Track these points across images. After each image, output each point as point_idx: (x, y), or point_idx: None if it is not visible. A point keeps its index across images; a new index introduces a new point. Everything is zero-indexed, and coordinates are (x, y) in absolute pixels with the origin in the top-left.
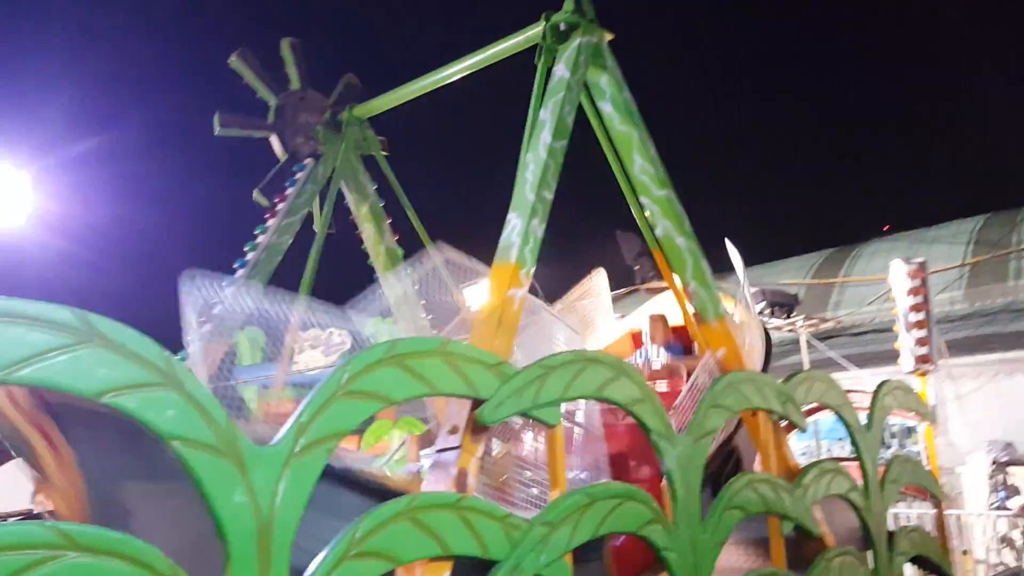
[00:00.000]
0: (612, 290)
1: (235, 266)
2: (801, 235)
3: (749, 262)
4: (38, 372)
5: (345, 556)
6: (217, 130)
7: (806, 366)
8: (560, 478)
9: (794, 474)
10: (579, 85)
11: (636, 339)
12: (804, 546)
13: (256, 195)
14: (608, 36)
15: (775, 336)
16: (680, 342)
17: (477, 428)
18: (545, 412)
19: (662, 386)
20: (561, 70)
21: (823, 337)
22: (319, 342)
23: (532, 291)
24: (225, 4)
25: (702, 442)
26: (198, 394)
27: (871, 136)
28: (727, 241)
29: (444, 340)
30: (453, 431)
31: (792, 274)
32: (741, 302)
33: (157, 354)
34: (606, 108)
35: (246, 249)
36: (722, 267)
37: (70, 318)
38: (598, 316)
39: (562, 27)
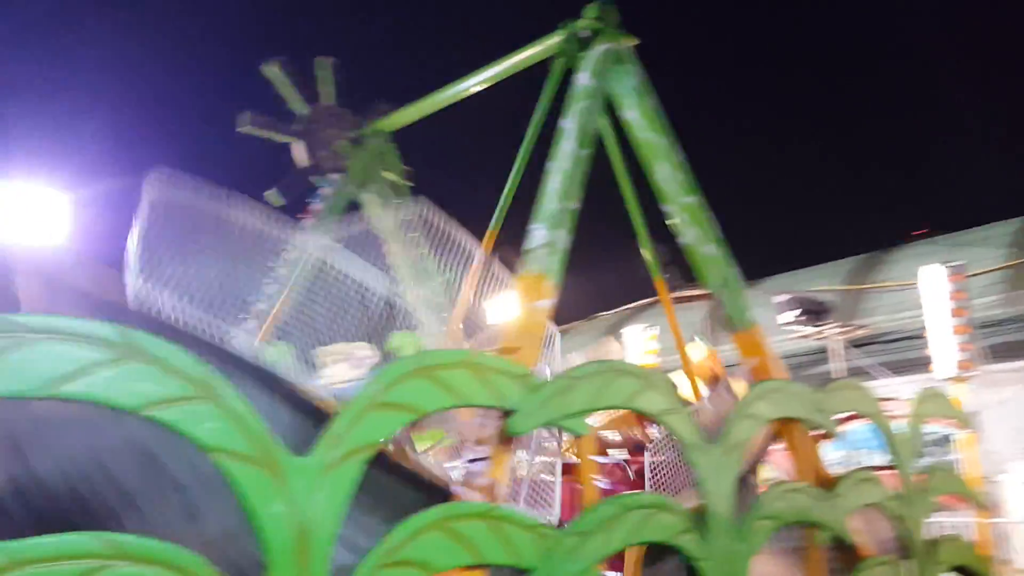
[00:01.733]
0: (640, 299)
1: (266, 281)
2: (835, 239)
3: (782, 268)
4: (82, 387)
5: (381, 565)
6: (241, 127)
7: (837, 374)
8: (590, 487)
9: (828, 483)
10: (602, 93)
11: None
12: (844, 555)
13: (269, 195)
14: (632, 41)
15: (806, 344)
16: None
17: (505, 439)
18: (573, 423)
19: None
20: (584, 78)
21: (857, 344)
22: (345, 355)
23: None
24: (260, 31)
25: (734, 452)
26: (236, 406)
27: (909, 137)
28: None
29: (471, 351)
30: (481, 442)
31: (825, 279)
32: None
33: (196, 368)
34: (630, 115)
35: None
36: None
37: (113, 334)
38: None
39: (584, 35)
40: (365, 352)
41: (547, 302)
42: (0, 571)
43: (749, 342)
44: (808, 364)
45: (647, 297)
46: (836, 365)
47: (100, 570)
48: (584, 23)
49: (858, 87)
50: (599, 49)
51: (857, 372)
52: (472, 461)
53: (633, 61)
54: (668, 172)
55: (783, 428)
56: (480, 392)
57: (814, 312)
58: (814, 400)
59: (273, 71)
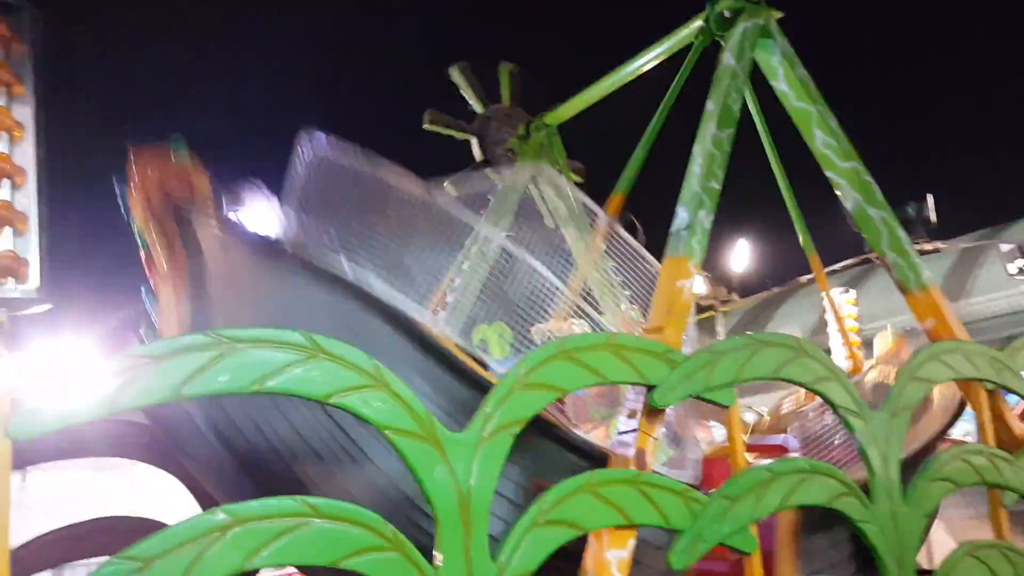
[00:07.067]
0: (841, 260)
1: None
2: None
3: None
4: (281, 383)
5: (535, 524)
6: (425, 124)
7: None
8: (739, 456)
9: (1021, 444)
10: (745, 71)
11: None
12: None
13: (447, 185)
14: (776, 15)
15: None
16: None
17: (652, 412)
18: (718, 394)
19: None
20: (727, 58)
21: None
22: (561, 333)
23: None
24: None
25: (900, 416)
26: (402, 392)
27: None
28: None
29: (611, 334)
30: (631, 415)
31: None
32: None
33: (368, 363)
34: (781, 87)
35: None
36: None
37: (301, 339)
38: None
39: (727, 14)
40: (579, 329)
41: (690, 282)
42: (225, 528)
43: (923, 304)
44: None
45: (848, 258)
46: None
47: (301, 526)
48: (726, 2)
49: None
50: (740, 27)
51: None
52: (623, 433)
53: (779, 33)
54: (824, 139)
55: (966, 390)
56: (621, 370)
57: None
58: (995, 360)
59: (456, 73)
